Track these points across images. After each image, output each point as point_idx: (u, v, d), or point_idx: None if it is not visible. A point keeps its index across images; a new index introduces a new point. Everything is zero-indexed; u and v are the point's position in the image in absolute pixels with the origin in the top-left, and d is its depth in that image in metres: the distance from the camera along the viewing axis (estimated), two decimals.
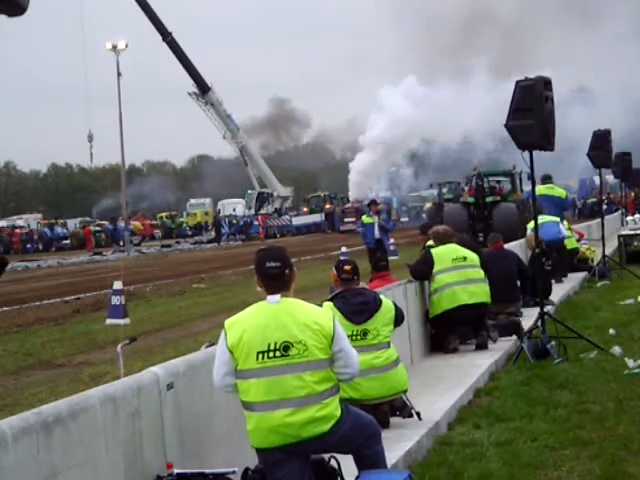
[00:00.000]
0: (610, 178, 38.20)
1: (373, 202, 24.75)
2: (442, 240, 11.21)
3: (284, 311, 5.25)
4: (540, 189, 19.27)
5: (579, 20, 67.29)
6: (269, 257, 5.36)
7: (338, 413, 5.26)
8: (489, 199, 32.63)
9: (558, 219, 17.94)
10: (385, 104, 67.67)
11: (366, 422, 5.47)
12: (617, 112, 51.44)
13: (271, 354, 5.17)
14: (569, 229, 20.01)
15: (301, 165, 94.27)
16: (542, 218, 16.80)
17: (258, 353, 5.18)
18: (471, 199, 33.08)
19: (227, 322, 5.34)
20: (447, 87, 61.88)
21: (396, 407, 7.51)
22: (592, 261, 20.07)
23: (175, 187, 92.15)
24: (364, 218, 23.56)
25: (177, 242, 64.85)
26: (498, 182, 35.93)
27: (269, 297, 5.31)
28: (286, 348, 5.17)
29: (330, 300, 7.50)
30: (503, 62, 60.57)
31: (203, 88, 68.26)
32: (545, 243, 14.46)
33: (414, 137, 67.82)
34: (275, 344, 5.17)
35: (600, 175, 20.85)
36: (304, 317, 5.23)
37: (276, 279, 5.31)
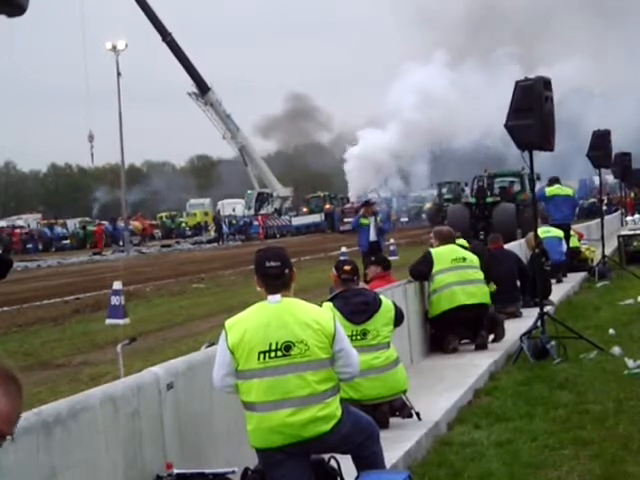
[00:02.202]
0: (610, 178, 38.23)
1: (366, 203, 23.38)
2: (444, 240, 11.22)
3: (285, 310, 5.24)
4: (552, 190, 19.29)
5: (603, 16, 66.16)
6: (269, 257, 5.36)
7: (339, 413, 5.26)
8: (489, 199, 33.39)
9: (562, 234, 17.85)
10: (411, 78, 61.97)
11: (365, 422, 5.47)
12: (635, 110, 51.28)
13: (273, 354, 5.17)
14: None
15: (316, 165, 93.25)
16: (547, 232, 16.80)
17: (260, 353, 5.17)
18: (473, 199, 34.36)
19: (227, 322, 5.34)
20: (468, 81, 58.85)
21: (396, 407, 7.51)
22: (592, 261, 20.06)
23: (176, 187, 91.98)
24: (360, 219, 21.70)
25: (177, 242, 64.85)
26: (512, 182, 36.89)
27: (269, 297, 5.31)
28: (288, 348, 5.17)
29: (330, 300, 7.50)
30: (527, 57, 59.95)
31: (203, 88, 68.29)
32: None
33: (446, 124, 61.04)
34: (277, 344, 5.17)
35: (600, 175, 20.84)
36: (305, 316, 5.24)
37: (276, 279, 5.31)
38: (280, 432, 5.16)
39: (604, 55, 64.46)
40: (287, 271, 5.33)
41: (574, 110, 52.75)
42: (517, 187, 37.17)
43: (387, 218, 22.65)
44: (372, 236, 20.88)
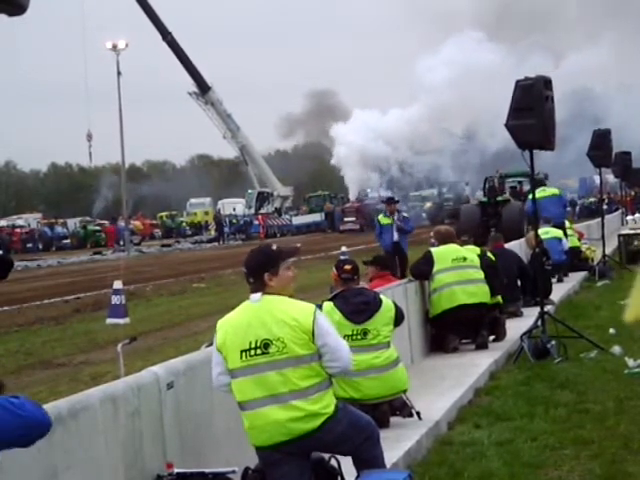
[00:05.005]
0: (610, 177, 38.33)
1: (389, 200, 21.00)
2: (444, 240, 11.23)
3: (264, 309, 5.29)
4: (537, 194, 19.25)
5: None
6: (245, 260, 5.47)
7: (330, 410, 5.25)
8: (499, 198, 34.64)
9: (561, 234, 17.85)
10: (448, 52, 58.28)
11: (365, 423, 5.45)
12: None
13: (252, 352, 5.23)
14: (570, 228, 20.05)
15: (317, 164, 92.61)
16: (546, 233, 16.80)
17: (242, 352, 5.24)
18: (484, 199, 35.86)
19: (219, 322, 5.43)
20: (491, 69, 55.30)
21: (396, 407, 7.51)
22: (592, 260, 20.08)
23: (176, 186, 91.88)
24: (380, 218, 19.74)
25: (177, 242, 64.84)
26: (520, 182, 39.06)
27: (251, 296, 5.38)
28: (266, 345, 5.22)
29: (330, 300, 7.51)
30: (551, 50, 59.22)
31: (203, 88, 68.29)
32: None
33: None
34: (256, 342, 5.23)
35: (600, 174, 20.86)
36: (282, 314, 5.26)
37: (256, 280, 5.37)
38: (269, 430, 5.19)
39: (626, 49, 63.72)
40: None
41: (601, 104, 52.44)
42: (527, 186, 38.05)
43: (405, 217, 19.64)
44: (395, 236, 19.13)
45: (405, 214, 20.19)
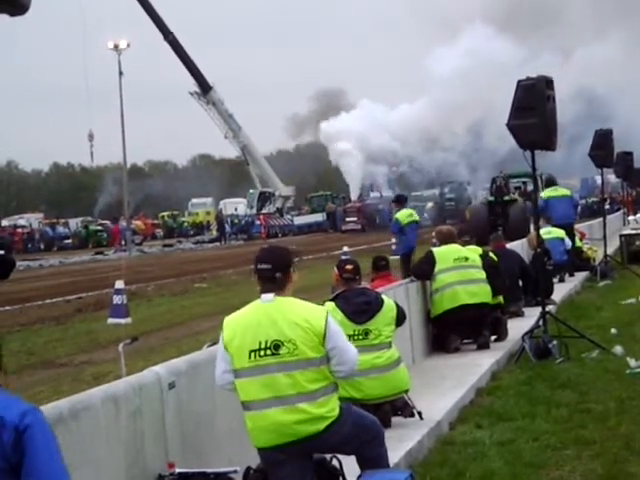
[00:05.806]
0: (612, 177, 38.33)
1: (395, 198, 21.55)
2: (445, 240, 11.22)
3: (276, 310, 5.26)
4: (547, 193, 19.28)
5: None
6: (262, 258, 5.41)
7: (335, 413, 5.25)
8: (506, 198, 35.73)
9: (564, 234, 17.85)
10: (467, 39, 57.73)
11: (369, 423, 5.46)
12: None
13: (262, 352, 5.20)
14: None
15: (317, 164, 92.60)
16: (548, 233, 16.79)
17: (250, 352, 5.21)
18: (491, 198, 36.57)
19: (226, 320, 5.40)
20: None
21: (397, 407, 7.51)
22: (594, 261, 20.06)
23: (178, 186, 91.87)
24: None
25: (179, 242, 64.85)
26: (524, 183, 40.40)
27: (262, 296, 5.35)
28: (277, 347, 5.19)
29: (332, 300, 7.50)
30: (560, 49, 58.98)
31: (204, 87, 68.29)
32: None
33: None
34: (266, 342, 5.20)
35: (602, 174, 20.84)
36: (295, 316, 5.24)
37: (267, 280, 5.34)
38: (274, 431, 5.18)
39: (638, 47, 63.32)
40: (278, 274, 5.32)
41: (611, 102, 52.29)
42: (531, 187, 38.47)
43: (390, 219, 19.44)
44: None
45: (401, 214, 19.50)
